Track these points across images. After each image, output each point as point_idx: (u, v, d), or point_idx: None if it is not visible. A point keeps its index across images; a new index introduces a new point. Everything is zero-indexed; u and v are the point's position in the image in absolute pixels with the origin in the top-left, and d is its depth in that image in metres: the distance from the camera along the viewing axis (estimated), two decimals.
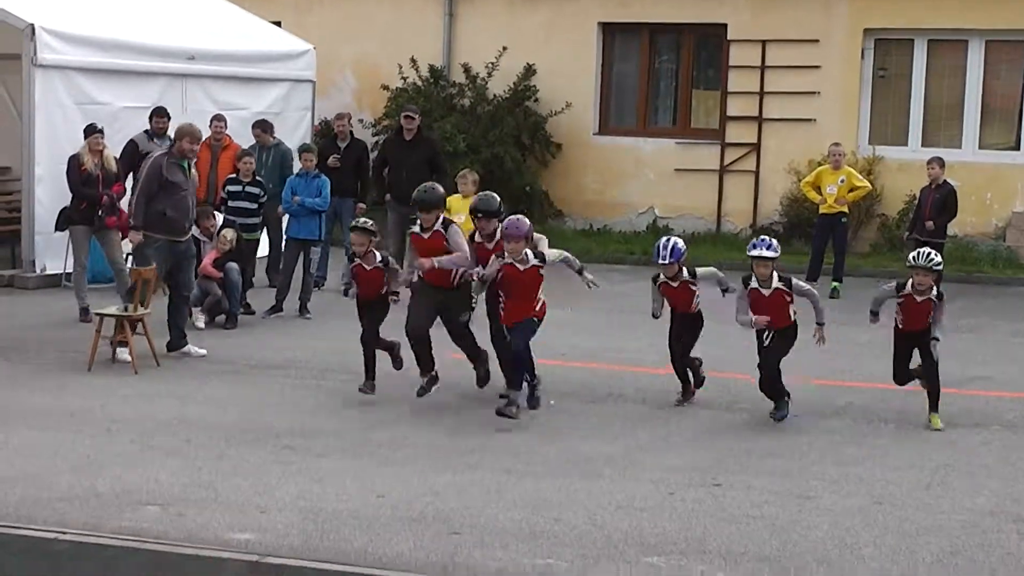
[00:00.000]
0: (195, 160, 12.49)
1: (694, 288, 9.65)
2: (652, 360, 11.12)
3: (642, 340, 11.47)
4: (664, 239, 9.66)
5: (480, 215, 9.58)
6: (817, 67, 18.35)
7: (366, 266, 9.67)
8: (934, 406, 9.19)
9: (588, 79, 19.78)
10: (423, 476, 7.72)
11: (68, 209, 13.56)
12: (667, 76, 20.53)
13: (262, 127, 14.80)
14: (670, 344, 9.85)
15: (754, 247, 9.28)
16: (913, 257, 9.15)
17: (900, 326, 9.30)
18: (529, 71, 19.57)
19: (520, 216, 9.52)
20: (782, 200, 18.43)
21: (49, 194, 14.69)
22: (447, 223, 9.49)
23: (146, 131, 14.42)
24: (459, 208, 12.74)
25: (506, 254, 8.97)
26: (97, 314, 11.67)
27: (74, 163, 13.33)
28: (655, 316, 9.90)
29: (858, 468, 7.91)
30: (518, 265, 8.99)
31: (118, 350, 11.22)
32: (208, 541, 6.55)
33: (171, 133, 13.88)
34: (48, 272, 15.03)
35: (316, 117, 18.20)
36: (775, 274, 9.17)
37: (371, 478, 7.67)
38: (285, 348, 12.08)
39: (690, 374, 9.89)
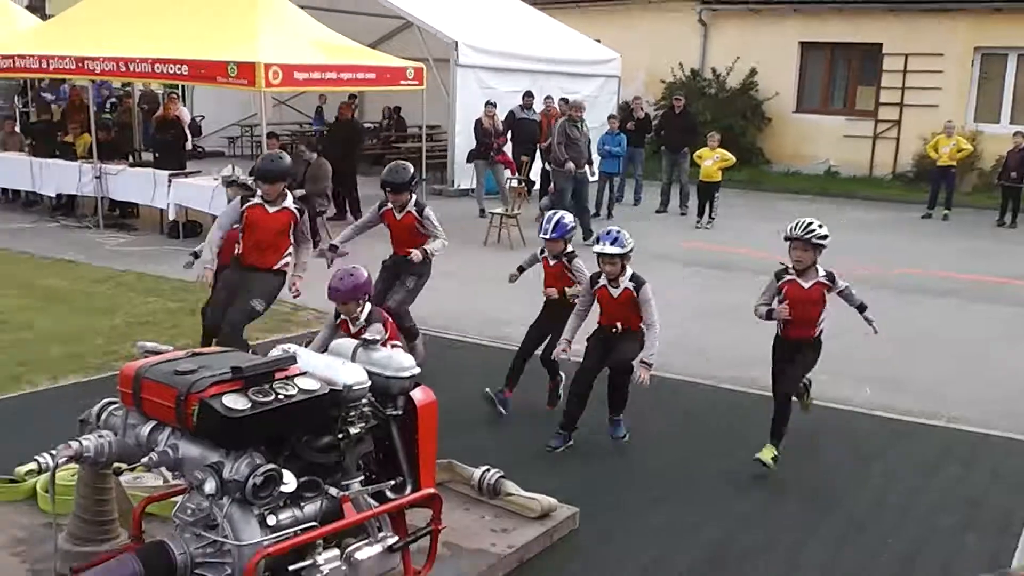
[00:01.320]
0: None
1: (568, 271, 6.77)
2: None
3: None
4: (551, 213, 6.94)
5: (388, 188, 7.58)
6: (940, 71, 20.49)
7: None
8: (773, 435, 5.99)
9: (790, 77, 22.42)
10: None
11: (473, 150, 16.30)
12: (841, 75, 22.51)
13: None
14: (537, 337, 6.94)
15: (597, 241, 6.32)
16: (790, 228, 5.97)
17: (781, 330, 6.20)
18: (753, 72, 22.35)
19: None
20: (913, 157, 20.70)
21: (462, 141, 17.44)
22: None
23: (519, 105, 16.66)
24: (707, 155, 15.58)
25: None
26: (490, 212, 14.29)
27: (477, 123, 15.95)
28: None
29: None
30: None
31: (501, 233, 13.70)
32: None
33: (536, 106, 16.71)
34: (461, 187, 17.85)
35: (619, 99, 20.59)
36: None
37: None
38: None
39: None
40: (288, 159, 7.44)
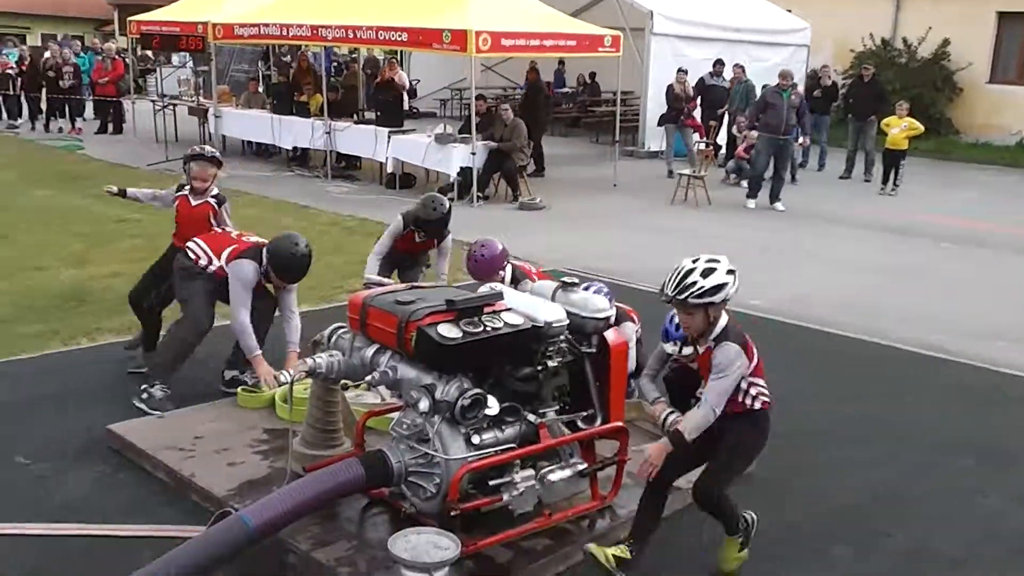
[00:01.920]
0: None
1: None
2: None
3: None
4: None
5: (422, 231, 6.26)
6: None
7: None
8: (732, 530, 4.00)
9: (985, 47, 20.80)
10: None
11: (664, 114, 16.02)
12: None
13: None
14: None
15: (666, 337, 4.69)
16: (664, 283, 3.84)
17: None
18: (946, 42, 20.88)
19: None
20: None
21: (654, 106, 17.13)
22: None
23: (709, 72, 16.29)
24: (895, 123, 14.76)
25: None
26: (678, 173, 14.14)
27: (669, 89, 15.66)
28: None
29: None
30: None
31: (688, 193, 13.44)
32: None
33: (727, 74, 16.32)
34: (651, 149, 17.65)
35: (807, 68, 19.40)
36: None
37: None
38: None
39: None
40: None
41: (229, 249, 5.37)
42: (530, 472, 3.98)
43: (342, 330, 4.25)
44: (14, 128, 20.19)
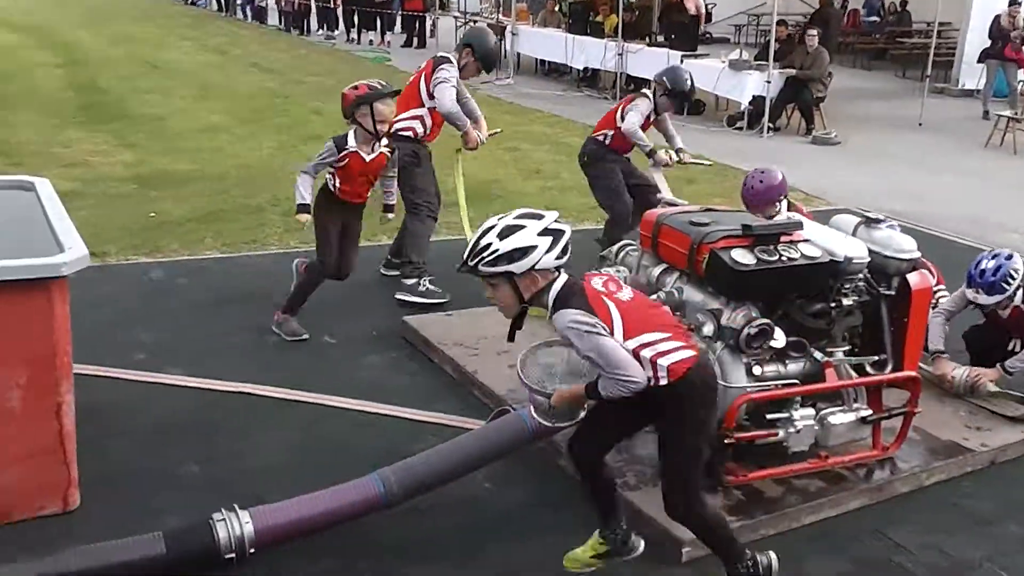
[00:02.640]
0: None
1: None
2: None
3: None
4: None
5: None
6: None
7: None
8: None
9: None
10: None
11: (987, 49, 14.44)
12: None
13: None
14: None
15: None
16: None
17: None
18: None
19: None
20: None
21: (974, 39, 15.64)
22: None
23: None
24: None
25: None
26: (996, 114, 12.70)
27: (995, 20, 14.06)
28: None
29: None
30: None
31: (1005, 137, 11.95)
32: None
33: None
34: (965, 87, 16.15)
35: None
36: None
37: None
38: None
39: None
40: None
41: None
42: (810, 411, 3.84)
43: (630, 247, 4.25)
44: (331, 39, 21.70)
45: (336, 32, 22.13)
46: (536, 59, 17.54)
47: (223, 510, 3.25)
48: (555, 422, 3.38)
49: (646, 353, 2.92)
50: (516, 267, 2.92)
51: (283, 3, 23.76)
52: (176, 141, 10.06)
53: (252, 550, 3.21)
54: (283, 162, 9.20)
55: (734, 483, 3.74)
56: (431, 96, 5.72)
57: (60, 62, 15.50)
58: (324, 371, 4.79)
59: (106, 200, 7.65)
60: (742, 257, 3.63)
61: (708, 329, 3.69)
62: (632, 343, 2.91)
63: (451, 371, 4.87)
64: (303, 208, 4.96)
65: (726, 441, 3.66)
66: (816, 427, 3.84)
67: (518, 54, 17.22)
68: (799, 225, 3.89)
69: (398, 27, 21.43)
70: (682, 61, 13.43)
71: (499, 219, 2.99)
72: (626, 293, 3.03)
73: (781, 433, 3.77)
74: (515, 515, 3.71)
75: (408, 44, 20.45)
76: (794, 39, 13.61)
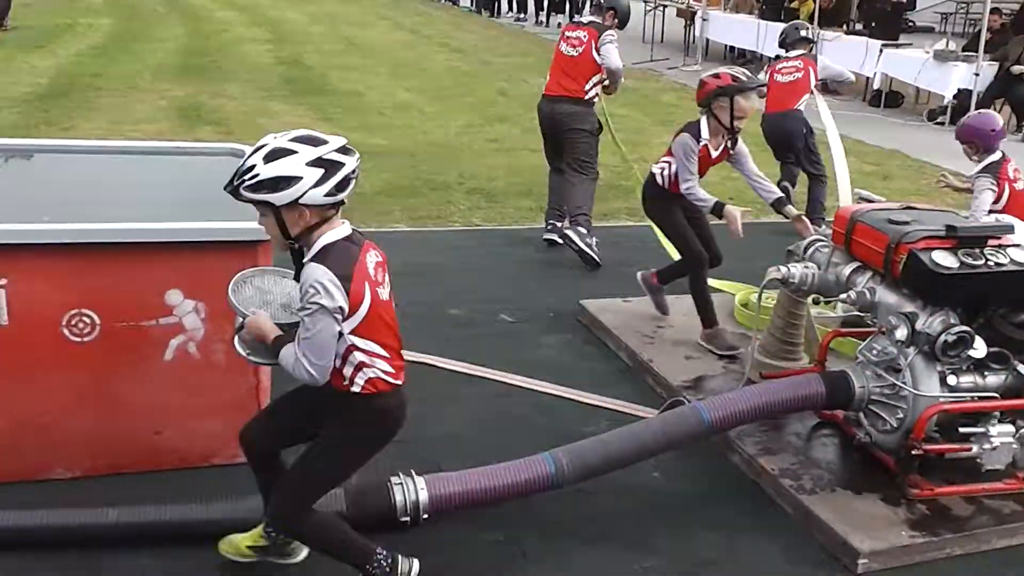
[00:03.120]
0: None
1: None
2: None
3: None
4: None
5: None
6: None
7: None
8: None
9: None
10: None
11: None
12: None
13: None
14: None
15: None
16: None
17: None
18: None
19: None
20: None
21: None
22: None
23: None
24: None
25: None
26: None
27: None
28: None
29: None
30: None
31: None
32: None
33: None
34: None
35: None
36: None
37: None
38: None
39: None
40: None
41: None
42: (1009, 428, 3.58)
43: (820, 243, 4.09)
44: (520, 21, 21.93)
45: (525, 15, 22.35)
46: (725, 45, 17.11)
47: (400, 474, 3.37)
48: (248, 353, 2.82)
49: (358, 356, 2.68)
50: (276, 198, 2.58)
51: None
52: (370, 116, 10.45)
53: (426, 515, 3.31)
54: (470, 141, 9.39)
55: (919, 496, 3.54)
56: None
57: (268, 38, 16.38)
58: (502, 349, 4.86)
59: None
60: (944, 259, 3.43)
61: (901, 333, 3.51)
62: (356, 339, 2.66)
63: (626, 358, 4.85)
64: (719, 205, 4.52)
65: (913, 452, 3.48)
66: (1015, 445, 3.58)
67: (707, 40, 16.84)
68: (1010, 229, 3.63)
69: (587, 11, 21.41)
70: (882, 51, 12.84)
71: (275, 137, 2.64)
72: (385, 291, 2.75)
73: (975, 448, 3.55)
74: (683, 506, 3.66)
75: None
76: (1008, 29, 12.67)
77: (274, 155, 2.58)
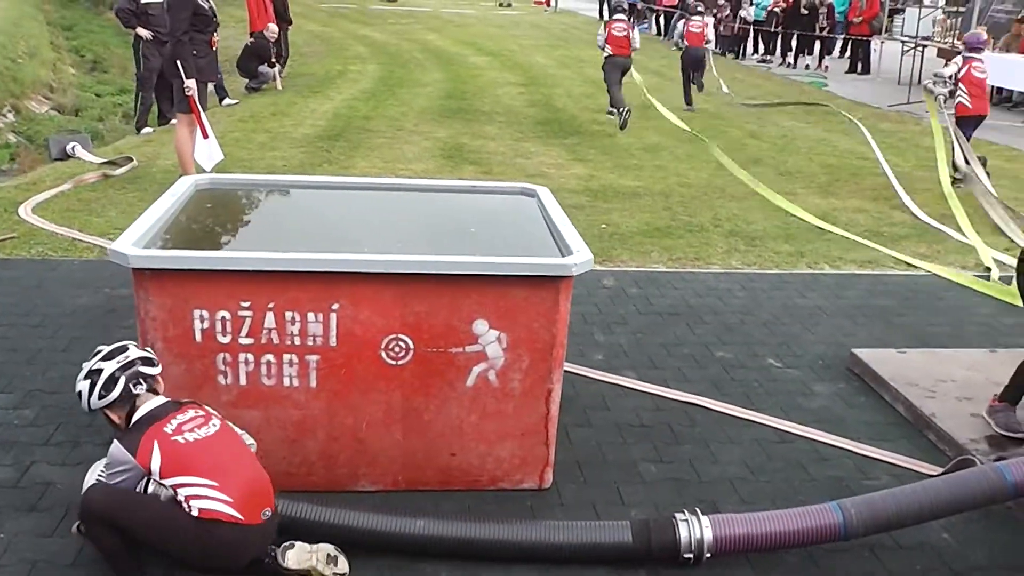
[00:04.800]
0: None
1: None
2: None
3: None
4: None
5: None
6: None
7: None
8: None
9: None
10: None
11: None
12: None
13: None
14: None
15: None
16: None
17: None
18: None
19: None
20: None
21: None
22: None
23: None
24: None
25: None
26: None
27: None
28: None
29: None
30: None
31: None
32: None
33: None
34: None
35: None
36: None
37: None
38: None
39: None
40: None
41: None
42: None
43: None
44: (766, 63, 21.59)
45: (771, 56, 22.00)
46: (991, 86, 16.05)
47: (685, 511, 3.42)
48: None
49: (183, 492, 3.02)
50: (85, 407, 3.16)
51: (722, 28, 24.06)
52: (623, 158, 10.63)
53: (708, 555, 3.34)
54: (723, 184, 9.35)
55: None
56: None
57: (520, 81, 17.03)
58: (772, 394, 4.82)
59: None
60: None
61: None
62: (170, 481, 3.02)
63: (903, 411, 4.67)
64: None
65: None
66: None
67: None
68: None
69: (836, 51, 20.81)
70: None
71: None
72: (202, 432, 3.10)
73: None
74: (976, 574, 3.48)
75: (852, 70, 19.75)
76: None
77: (82, 374, 3.18)
